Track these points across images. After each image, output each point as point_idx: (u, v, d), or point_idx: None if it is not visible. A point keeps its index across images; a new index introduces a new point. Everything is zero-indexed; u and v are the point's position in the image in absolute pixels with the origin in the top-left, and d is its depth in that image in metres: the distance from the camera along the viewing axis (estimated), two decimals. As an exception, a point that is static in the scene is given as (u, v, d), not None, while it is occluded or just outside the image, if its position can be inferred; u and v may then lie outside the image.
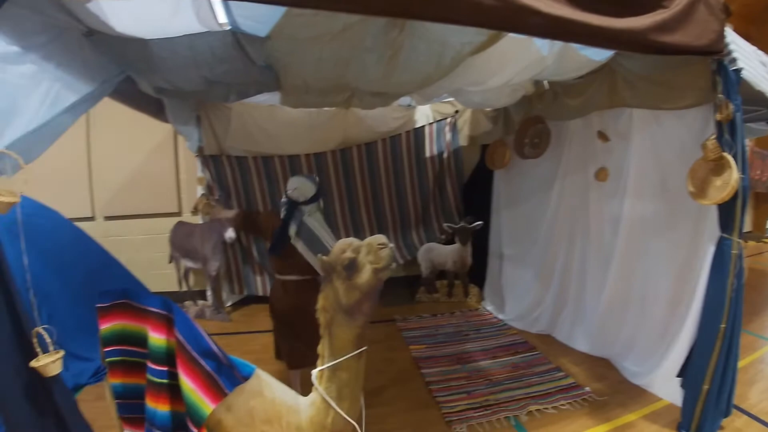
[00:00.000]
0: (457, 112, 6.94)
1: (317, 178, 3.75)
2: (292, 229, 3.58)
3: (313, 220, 3.55)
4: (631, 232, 4.40)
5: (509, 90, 4.76)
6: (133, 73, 3.59)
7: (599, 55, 3.77)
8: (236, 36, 3.01)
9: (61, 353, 2.27)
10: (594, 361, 4.81)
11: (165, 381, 2.16)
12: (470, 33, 3.04)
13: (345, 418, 2.33)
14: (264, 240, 4.94)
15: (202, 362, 2.10)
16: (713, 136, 3.15)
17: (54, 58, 2.72)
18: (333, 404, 2.27)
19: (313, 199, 3.61)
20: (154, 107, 5.02)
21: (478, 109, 6.48)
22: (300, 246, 3.55)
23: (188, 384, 2.08)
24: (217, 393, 2.12)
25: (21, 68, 2.53)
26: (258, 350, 5.25)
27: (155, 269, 6.76)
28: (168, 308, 2.17)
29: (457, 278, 7.01)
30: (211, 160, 6.32)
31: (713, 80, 3.14)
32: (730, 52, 3.07)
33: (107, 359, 2.33)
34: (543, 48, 3.53)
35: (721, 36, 2.99)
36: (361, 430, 2.40)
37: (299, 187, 3.63)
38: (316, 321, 3.04)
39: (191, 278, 6.75)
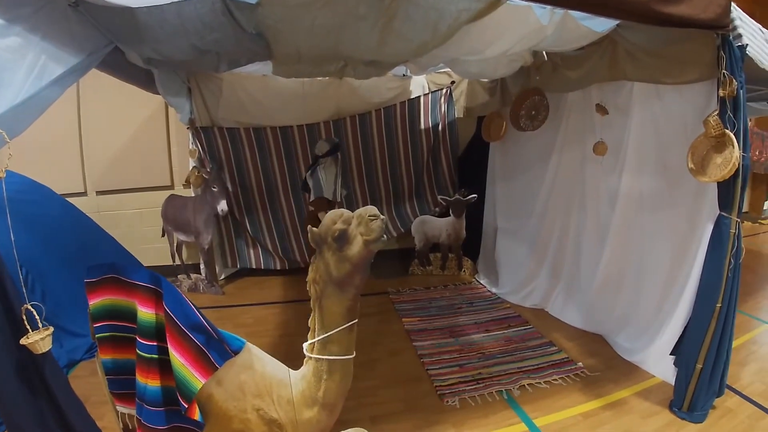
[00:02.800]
0: (453, 82, 6.82)
1: (337, 141, 5.15)
2: (307, 174, 5.15)
3: (325, 171, 4.96)
4: (628, 208, 4.36)
5: (507, 60, 4.68)
6: (120, 44, 3.50)
7: (601, 26, 3.69)
8: (225, 2, 2.92)
9: (51, 330, 2.26)
10: (587, 337, 4.83)
11: (155, 356, 2.14)
12: (467, -1, 2.97)
13: (336, 392, 2.31)
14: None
15: (192, 336, 2.07)
16: (715, 113, 3.11)
17: (40, 30, 2.63)
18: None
19: (327, 154, 4.96)
20: (143, 79, 4.92)
21: (475, 80, 6.38)
22: (310, 185, 5.05)
23: (178, 358, 2.05)
24: (208, 367, 2.09)
25: (5, 41, 2.45)
26: (251, 323, 5.27)
27: (148, 243, 6.77)
28: (156, 282, 2.13)
29: (450, 251, 6.97)
30: (203, 132, 6.23)
31: (717, 56, 3.07)
32: (735, 28, 3.01)
33: (97, 335, 2.30)
34: (542, 17, 3.45)
35: (727, 10, 2.92)
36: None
37: (318, 145, 5.09)
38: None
39: (184, 252, 6.71)
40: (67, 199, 5.50)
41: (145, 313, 2.13)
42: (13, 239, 2.23)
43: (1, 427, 3.47)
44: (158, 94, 5.41)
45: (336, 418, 2.41)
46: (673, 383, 3.62)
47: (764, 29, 3.48)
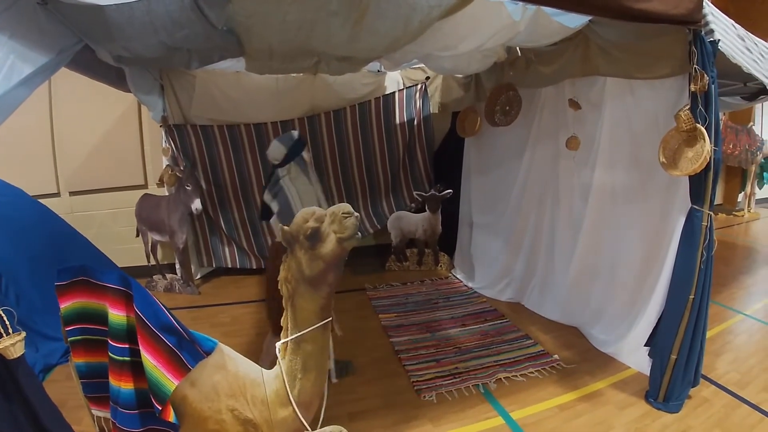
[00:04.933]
0: (428, 78, 6.86)
1: (295, 135, 3.60)
2: (267, 195, 3.51)
3: (295, 185, 3.40)
4: (601, 202, 4.41)
5: (480, 56, 4.69)
6: (90, 42, 3.44)
7: (573, 21, 3.72)
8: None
9: (23, 335, 2.23)
10: (563, 329, 4.88)
11: (127, 358, 2.10)
12: (439, -6, 2.98)
13: (311, 391, 2.30)
14: None
15: (163, 338, 2.04)
16: (687, 107, 3.14)
17: (7, 29, 2.58)
18: (286, 385, 2.24)
19: (286, 160, 3.47)
20: (114, 77, 4.85)
21: (450, 75, 6.42)
22: (276, 210, 3.44)
23: (150, 361, 2.02)
24: (180, 369, 2.07)
25: (-28, 41, 2.41)
26: (228, 322, 5.23)
27: (122, 244, 6.66)
28: (126, 284, 2.10)
29: (427, 246, 7.01)
30: (176, 130, 6.18)
31: (689, 51, 3.10)
32: (707, 23, 3.04)
33: (69, 338, 2.25)
34: (515, 13, 3.47)
35: (699, 6, 2.95)
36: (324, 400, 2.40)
37: (270, 150, 3.54)
38: None
39: (159, 252, 6.64)
40: (39, 200, 5.41)
41: (116, 315, 2.10)
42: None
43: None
44: (130, 92, 5.35)
45: (312, 417, 2.40)
46: (649, 374, 3.67)
47: (737, 25, 3.52)
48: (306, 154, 3.59)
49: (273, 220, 3.51)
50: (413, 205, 7.13)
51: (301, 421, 2.29)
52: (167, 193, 6.28)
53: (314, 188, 3.55)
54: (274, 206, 3.45)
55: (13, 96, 2.63)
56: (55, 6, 2.84)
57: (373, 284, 6.38)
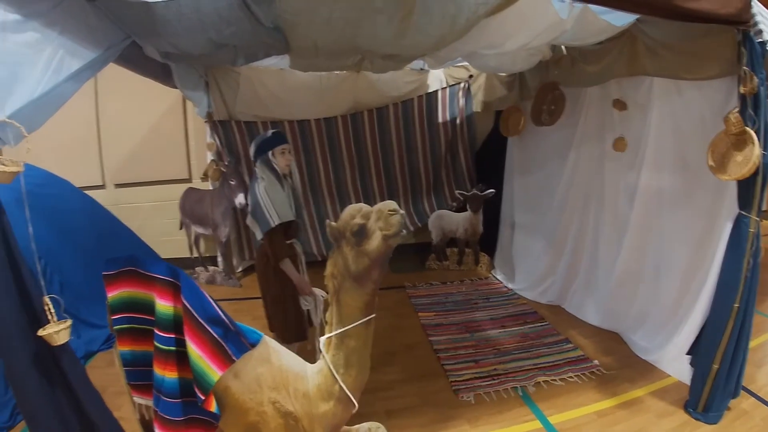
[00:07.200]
0: (471, 76, 6.81)
1: (268, 133, 3.56)
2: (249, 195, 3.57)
3: (267, 189, 3.39)
4: (647, 205, 4.32)
5: (525, 54, 4.65)
6: (138, 38, 3.51)
7: (620, 20, 3.66)
8: (243, -3, 2.93)
9: (69, 322, 2.28)
10: (603, 335, 4.79)
11: (172, 348, 2.15)
12: (486, -8, 2.96)
13: (353, 386, 2.31)
14: None
15: (209, 329, 2.08)
16: (736, 110, 3.05)
17: (57, 25, 2.64)
18: (336, 375, 2.26)
19: (254, 156, 3.48)
20: (161, 73, 4.94)
21: (493, 74, 6.36)
22: (249, 210, 3.54)
23: (195, 351, 2.06)
24: (225, 360, 2.10)
25: (23, 36, 2.44)
26: (268, 316, 5.27)
27: (166, 236, 6.81)
28: (174, 275, 2.14)
29: (467, 246, 6.97)
30: (220, 126, 6.26)
31: (738, 52, 3.02)
32: (756, 24, 2.95)
33: (115, 327, 2.31)
34: (562, 11, 3.42)
35: (748, 5, 2.88)
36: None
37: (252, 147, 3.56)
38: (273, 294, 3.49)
39: (202, 244, 6.75)
40: (85, 192, 5.55)
41: (164, 305, 2.14)
42: (31, 231, 2.24)
43: (18, 417, 3.51)
44: (176, 87, 5.44)
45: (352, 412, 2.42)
46: (689, 383, 3.60)
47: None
48: (281, 158, 3.48)
49: (249, 221, 3.56)
50: (454, 204, 7.13)
51: (351, 400, 2.32)
52: (211, 188, 6.39)
53: (287, 195, 3.50)
54: (249, 208, 3.53)
55: (62, 90, 2.68)
56: (104, 3, 2.91)
57: (412, 282, 6.39)
